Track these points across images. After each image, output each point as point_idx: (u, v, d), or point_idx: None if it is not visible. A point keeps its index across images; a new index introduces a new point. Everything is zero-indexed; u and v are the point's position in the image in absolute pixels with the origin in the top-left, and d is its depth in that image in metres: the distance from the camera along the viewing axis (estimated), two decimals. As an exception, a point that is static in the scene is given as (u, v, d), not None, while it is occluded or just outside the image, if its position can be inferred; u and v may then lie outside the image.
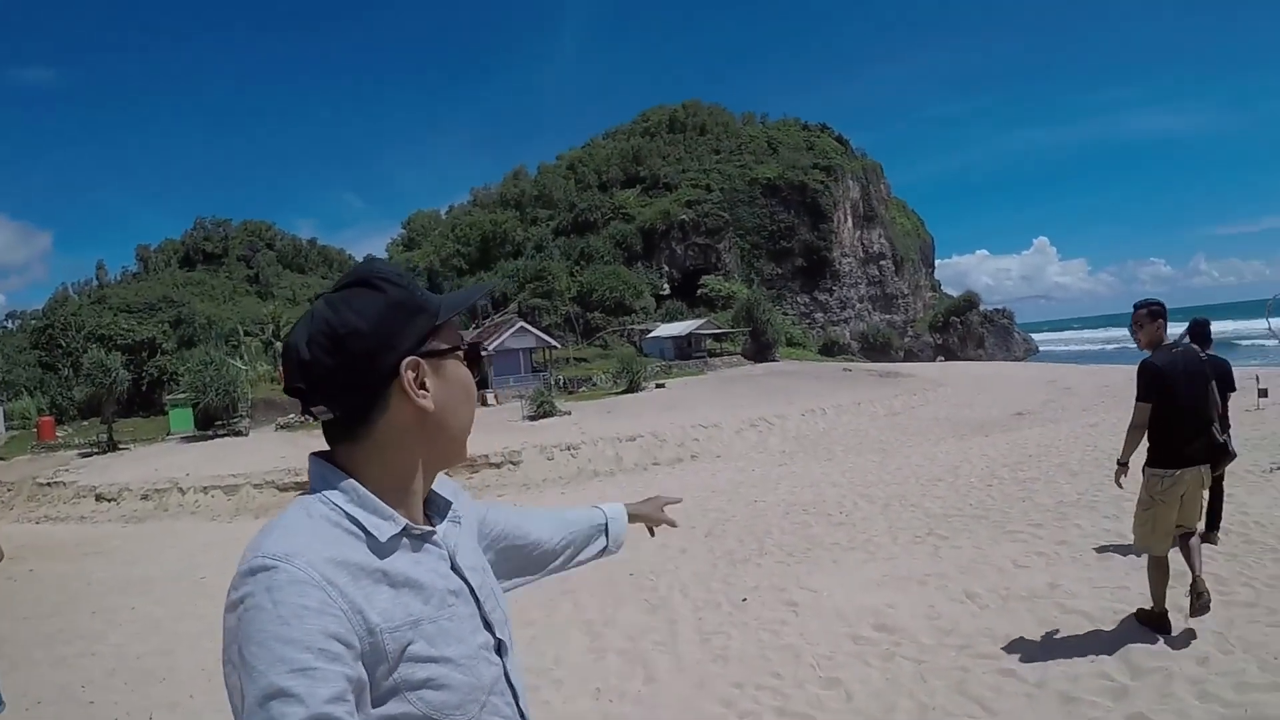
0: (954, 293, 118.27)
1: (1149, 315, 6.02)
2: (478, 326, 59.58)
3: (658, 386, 45.59)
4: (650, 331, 68.66)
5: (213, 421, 39.87)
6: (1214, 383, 6.13)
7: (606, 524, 2.22)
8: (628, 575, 9.73)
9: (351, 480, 1.35)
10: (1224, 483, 8.27)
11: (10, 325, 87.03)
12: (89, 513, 22.46)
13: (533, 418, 33.55)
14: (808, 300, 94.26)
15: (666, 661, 6.80)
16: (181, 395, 41.09)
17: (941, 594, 7.53)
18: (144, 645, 9.18)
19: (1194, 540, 6.00)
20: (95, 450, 35.66)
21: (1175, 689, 5.04)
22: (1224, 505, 8.37)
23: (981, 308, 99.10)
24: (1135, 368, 6.08)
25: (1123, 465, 6.20)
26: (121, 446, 36.15)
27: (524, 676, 1.56)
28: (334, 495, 1.33)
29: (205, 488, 22.77)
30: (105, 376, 38.16)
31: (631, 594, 8.99)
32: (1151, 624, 5.92)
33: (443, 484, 1.58)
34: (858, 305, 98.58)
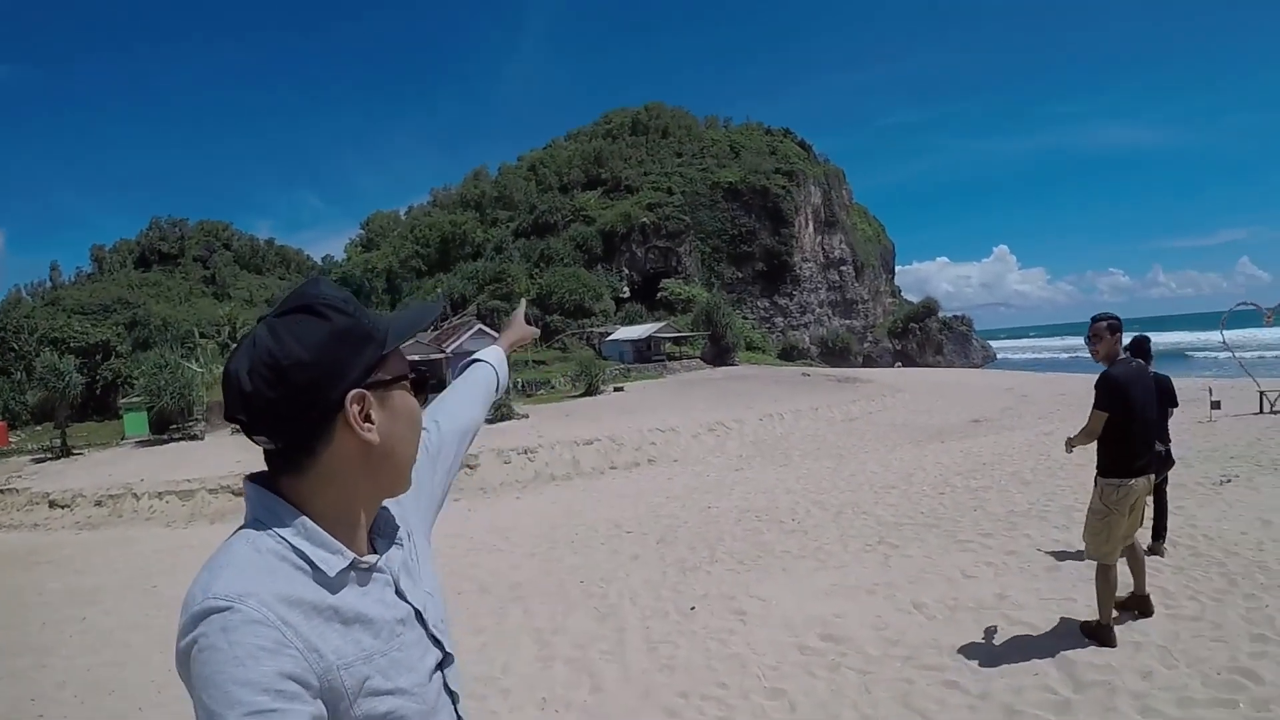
0: (914, 299, 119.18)
1: (1109, 329, 6.12)
2: (437, 329, 59.25)
3: (616, 390, 45.59)
4: (610, 334, 68.56)
5: (168, 425, 39.31)
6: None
7: (497, 372, 2.28)
8: (579, 582, 9.72)
9: (298, 513, 1.31)
10: (1168, 493, 8.38)
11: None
12: (42, 520, 22.02)
13: (490, 420, 33.22)
14: (768, 304, 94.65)
15: (613, 671, 6.74)
16: (136, 399, 40.43)
17: (890, 604, 7.52)
18: (94, 657, 9.03)
19: (1140, 553, 6.26)
20: (49, 456, 35.07)
21: (1118, 703, 5.04)
22: (1172, 517, 8.47)
23: (941, 314, 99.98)
24: (1091, 377, 6.25)
25: (1071, 443, 6.35)
26: (75, 452, 35.54)
27: (465, 683, 1.55)
28: (280, 529, 1.29)
29: (160, 493, 22.41)
30: (58, 380, 37.42)
31: (582, 601, 8.94)
32: (1096, 638, 5.94)
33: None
34: (817, 310, 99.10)
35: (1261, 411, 18.22)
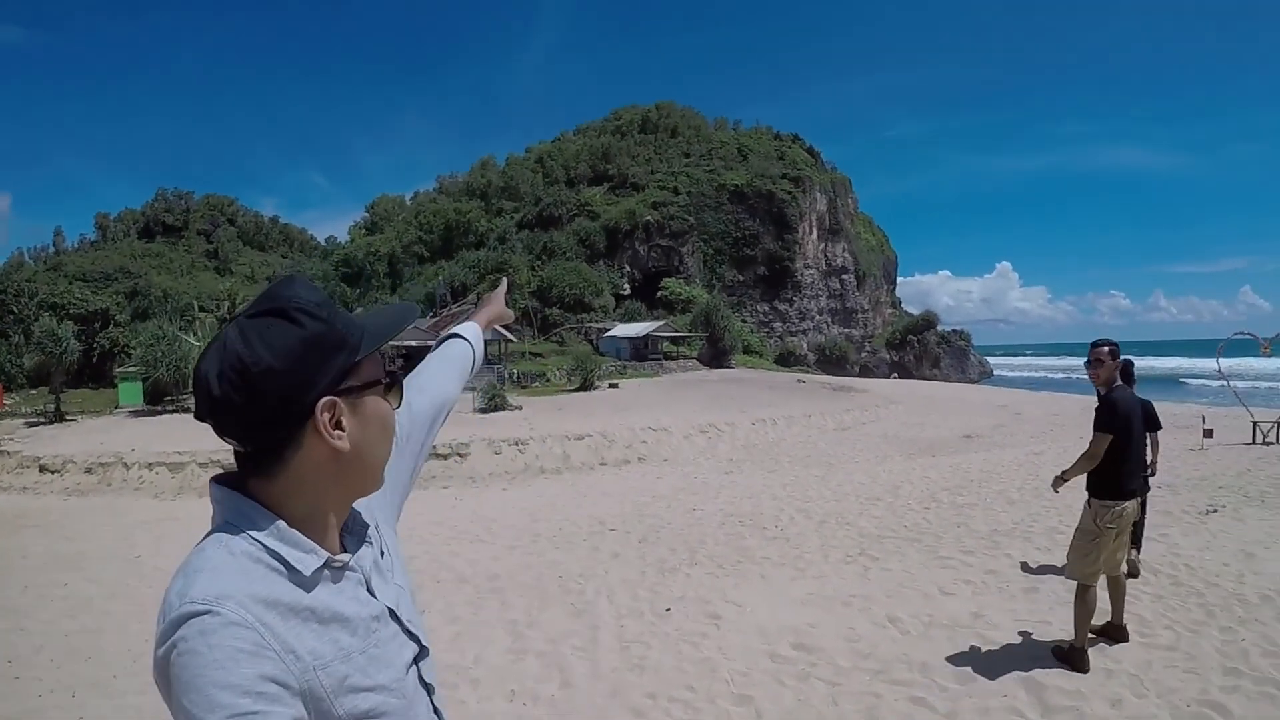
0: (914, 311, 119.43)
1: (1110, 354, 6.29)
2: (435, 315, 59.27)
3: (611, 386, 45.54)
4: (608, 331, 68.57)
5: (162, 397, 39.25)
6: None
7: (474, 349, 2.26)
8: (557, 577, 9.69)
9: (270, 514, 1.30)
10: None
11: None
12: (32, 484, 21.99)
13: (484, 410, 33.30)
14: (767, 309, 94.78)
15: (584, 667, 6.73)
16: (132, 369, 40.28)
17: (864, 616, 7.50)
18: (73, 623, 9.02)
19: (1122, 581, 6.39)
20: (42, 420, 34.89)
21: (1084, 729, 5.01)
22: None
23: (940, 328, 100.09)
24: (1085, 398, 6.43)
25: (1063, 480, 6.34)
26: (69, 418, 35.36)
27: (439, 674, 1.55)
28: (253, 531, 1.28)
29: (150, 464, 22.36)
30: (55, 346, 37.48)
31: (559, 596, 8.91)
32: (1069, 661, 5.93)
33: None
34: (817, 317, 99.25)
35: (1254, 442, 18.20)
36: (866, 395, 42.36)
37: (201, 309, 56.05)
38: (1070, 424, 26.22)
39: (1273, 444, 17.88)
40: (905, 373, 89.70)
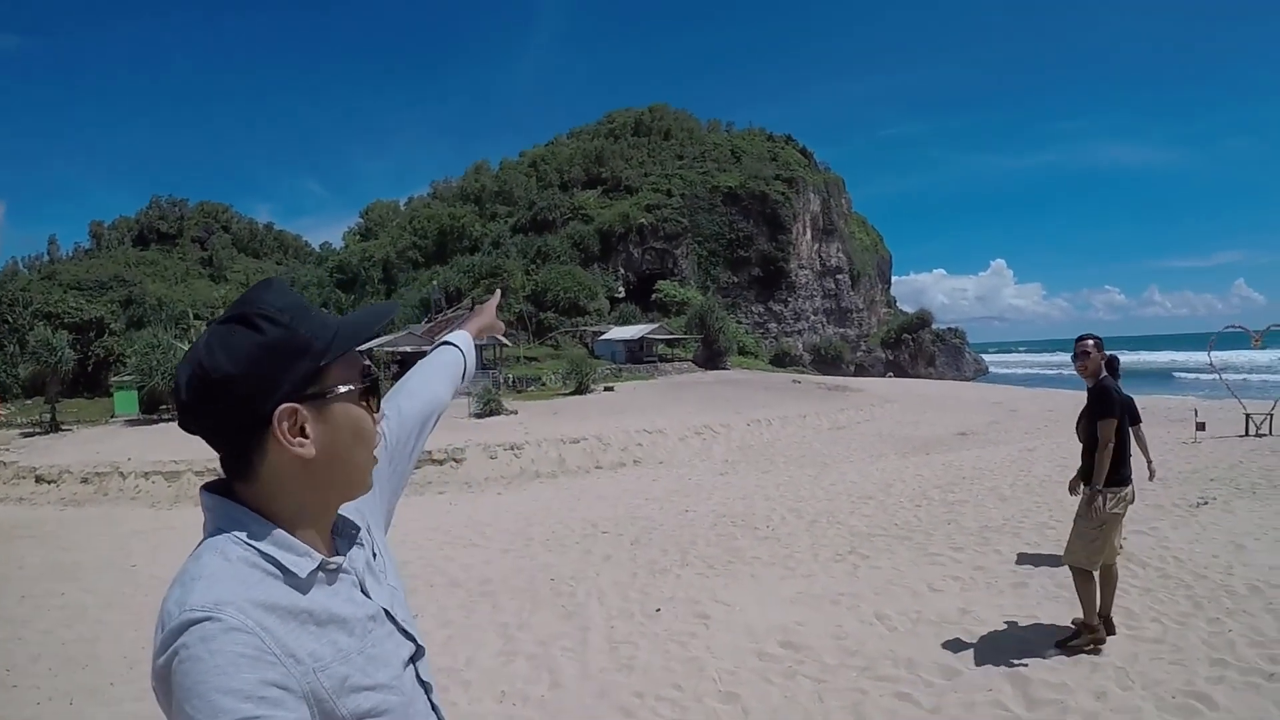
0: (909, 309, 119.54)
1: (1096, 346, 6.51)
2: (430, 321, 59.27)
3: (606, 389, 45.48)
4: (603, 334, 68.47)
5: (158, 406, 39.23)
6: None
7: (465, 357, 2.24)
8: (549, 580, 9.72)
9: (261, 518, 1.31)
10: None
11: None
12: (28, 494, 22.07)
13: (479, 415, 33.28)
14: (762, 310, 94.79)
15: (573, 668, 6.77)
16: (128, 377, 40.38)
17: (852, 614, 7.52)
18: (70, 632, 9.06)
19: (1114, 572, 6.52)
20: (38, 430, 35.05)
21: (1068, 722, 5.04)
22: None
23: (934, 326, 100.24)
24: (1080, 394, 6.65)
25: (1095, 482, 6.29)
26: (65, 427, 35.51)
27: (433, 675, 1.54)
28: (246, 536, 1.28)
29: (146, 473, 22.43)
30: (51, 355, 37.49)
31: (550, 599, 8.94)
32: (1083, 643, 6.09)
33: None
34: (812, 317, 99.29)
35: (1246, 434, 18.23)
36: (862, 394, 42.44)
37: (196, 317, 56.22)
38: (1064, 420, 26.06)
39: (1265, 435, 17.93)
40: (900, 371, 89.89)
